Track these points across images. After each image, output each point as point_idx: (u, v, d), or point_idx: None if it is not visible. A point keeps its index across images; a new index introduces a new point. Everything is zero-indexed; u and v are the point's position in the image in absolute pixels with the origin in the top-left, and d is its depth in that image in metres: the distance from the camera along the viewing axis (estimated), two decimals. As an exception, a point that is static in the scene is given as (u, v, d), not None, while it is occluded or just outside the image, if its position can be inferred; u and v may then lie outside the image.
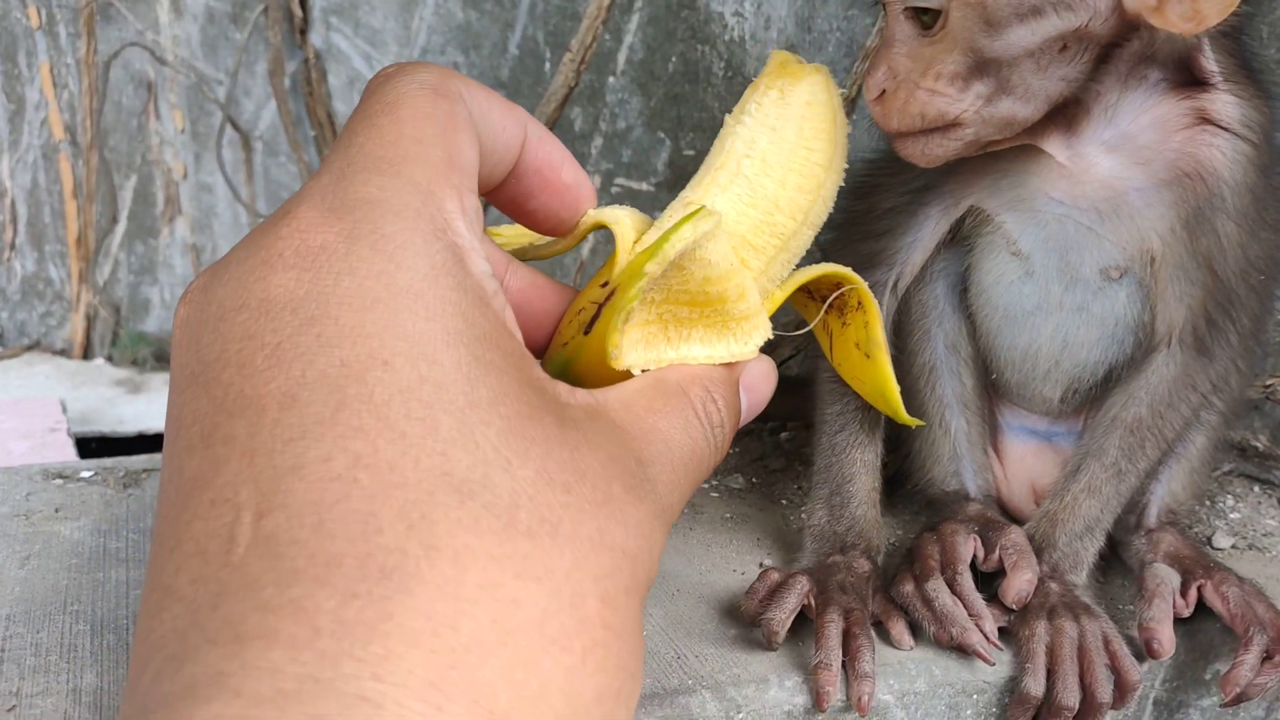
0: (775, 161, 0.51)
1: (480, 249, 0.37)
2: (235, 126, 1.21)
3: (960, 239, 0.68)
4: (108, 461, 0.81)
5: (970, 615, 0.60)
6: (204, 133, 1.25)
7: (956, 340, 0.73)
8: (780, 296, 0.51)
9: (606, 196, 1.07)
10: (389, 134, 0.38)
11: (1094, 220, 0.65)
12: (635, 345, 0.45)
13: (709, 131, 1.00)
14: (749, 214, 0.50)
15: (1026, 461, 0.76)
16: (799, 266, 0.52)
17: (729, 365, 0.47)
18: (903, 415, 0.57)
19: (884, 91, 0.59)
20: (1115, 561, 0.73)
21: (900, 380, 0.56)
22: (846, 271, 0.52)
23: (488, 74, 1.08)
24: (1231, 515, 0.81)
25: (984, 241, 0.69)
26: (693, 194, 0.50)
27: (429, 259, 0.35)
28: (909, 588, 0.63)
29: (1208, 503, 0.82)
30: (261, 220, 0.39)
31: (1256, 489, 0.85)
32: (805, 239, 0.51)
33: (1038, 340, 0.70)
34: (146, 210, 1.31)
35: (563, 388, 0.38)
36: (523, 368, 0.36)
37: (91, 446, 1.12)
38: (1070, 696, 0.59)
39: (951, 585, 0.61)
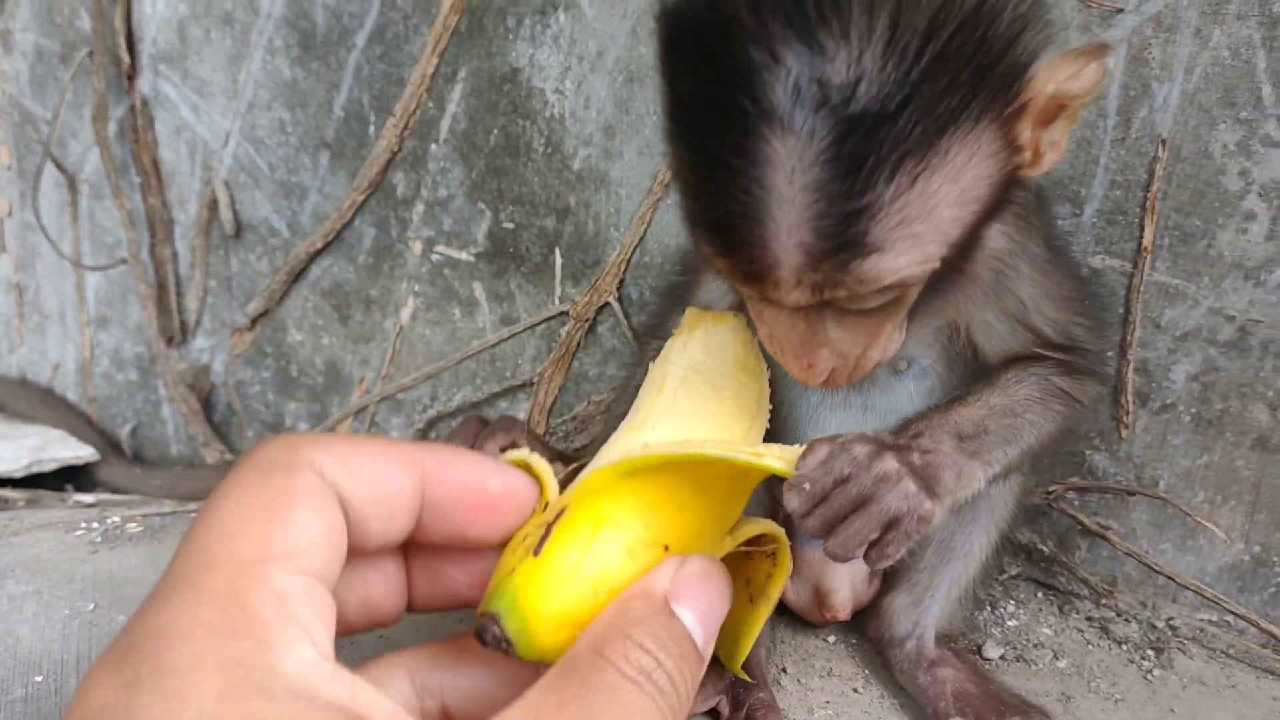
0: (708, 388, 0.54)
1: (306, 631, 0.35)
2: (60, 168, 1.17)
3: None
4: None
5: None
6: (30, 171, 1.21)
7: None
8: (730, 546, 0.50)
9: (427, 264, 1.05)
10: (198, 540, 0.36)
11: None
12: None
13: (528, 205, 0.99)
14: (696, 429, 0.51)
15: (814, 568, 0.75)
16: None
17: (646, 592, 0.42)
18: (738, 667, 0.55)
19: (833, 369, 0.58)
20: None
21: None
22: (779, 533, 0.53)
23: (313, 133, 1.05)
24: (1009, 623, 0.81)
25: None
26: (625, 435, 0.51)
27: (222, 677, 0.32)
28: None
29: (988, 609, 0.82)
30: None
31: (1039, 595, 0.85)
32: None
33: None
34: (-34, 248, 1.26)
35: None
36: None
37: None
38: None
39: None
